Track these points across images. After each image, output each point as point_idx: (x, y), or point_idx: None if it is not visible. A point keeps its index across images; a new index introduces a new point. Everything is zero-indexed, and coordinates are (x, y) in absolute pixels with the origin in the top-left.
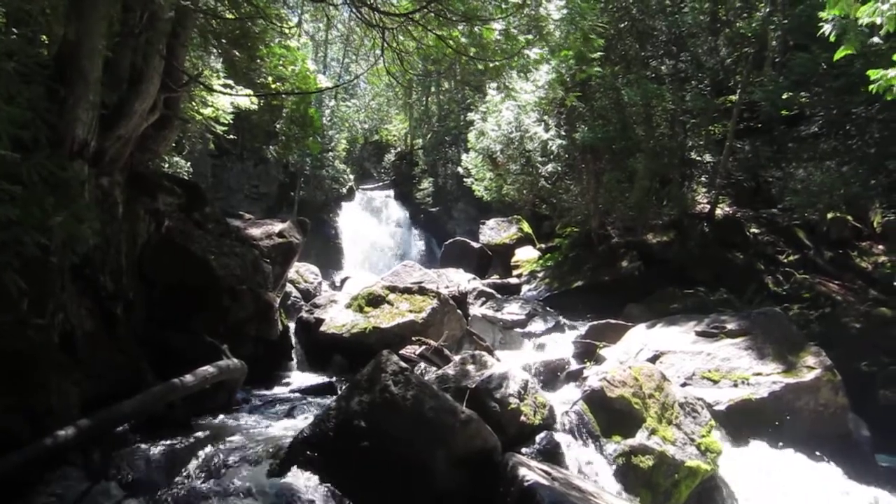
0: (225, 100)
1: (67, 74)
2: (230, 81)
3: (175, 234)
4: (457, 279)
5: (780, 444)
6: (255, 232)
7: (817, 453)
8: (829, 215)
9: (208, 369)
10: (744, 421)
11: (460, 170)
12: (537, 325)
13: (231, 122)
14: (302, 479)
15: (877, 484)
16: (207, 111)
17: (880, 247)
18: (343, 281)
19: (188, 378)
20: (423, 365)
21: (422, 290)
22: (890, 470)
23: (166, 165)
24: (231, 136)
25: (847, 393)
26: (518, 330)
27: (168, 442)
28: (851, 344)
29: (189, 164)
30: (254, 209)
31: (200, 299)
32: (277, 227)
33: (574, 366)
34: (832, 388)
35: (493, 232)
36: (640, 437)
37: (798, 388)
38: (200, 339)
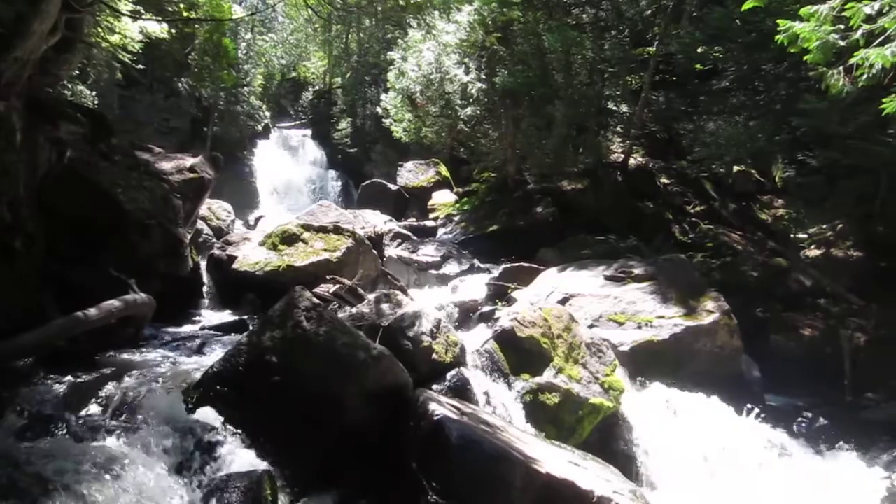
0: (133, 27)
1: None
2: (139, 7)
3: (79, 165)
4: (373, 220)
5: (679, 382)
6: (165, 166)
7: (712, 392)
8: (735, 168)
9: (114, 303)
10: (646, 361)
11: (379, 110)
12: (452, 268)
13: (140, 50)
14: (211, 414)
15: (764, 420)
16: (114, 38)
17: (780, 201)
18: (257, 220)
19: (92, 311)
20: (336, 304)
21: (337, 230)
22: (776, 408)
23: (70, 95)
24: (140, 66)
25: (742, 337)
26: (433, 272)
27: (72, 376)
28: (749, 291)
29: (94, 94)
30: (164, 144)
31: (107, 234)
32: (189, 161)
33: (487, 307)
34: (728, 332)
35: (411, 175)
36: (548, 376)
37: (697, 331)
38: (106, 274)
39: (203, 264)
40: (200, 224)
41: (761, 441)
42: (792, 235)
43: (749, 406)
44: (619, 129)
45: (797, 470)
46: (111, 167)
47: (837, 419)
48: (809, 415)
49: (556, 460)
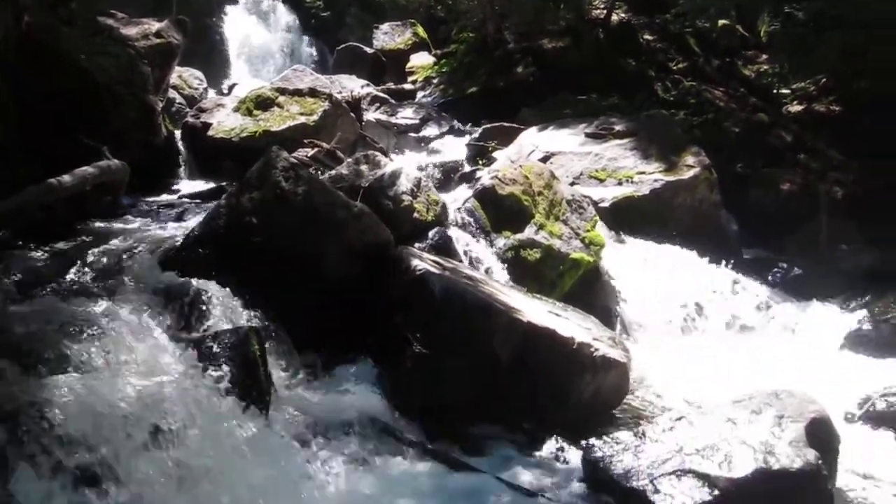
0: None
1: None
2: None
3: (38, 31)
4: (350, 85)
5: (659, 237)
6: (130, 31)
7: (691, 246)
8: (720, 23)
9: (87, 169)
10: (626, 217)
11: None
12: (432, 130)
13: None
14: (194, 276)
15: (740, 271)
16: None
17: (764, 56)
18: (231, 87)
19: (66, 178)
20: (315, 167)
21: (313, 93)
22: (752, 260)
23: None
24: None
25: (722, 192)
26: (412, 134)
27: (52, 244)
28: (730, 148)
29: None
30: (128, 13)
31: (73, 103)
32: (155, 26)
33: (467, 168)
34: (708, 186)
35: (388, 37)
36: (529, 232)
37: (677, 186)
38: (78, 143)
39: (178, 134)
40: (172, 94)
41: (737, 291)
42: (775, 91)
43: (726, 258)
44: None
45: (771, 317)
46: (72, 33)
47: (812, 270)
48: (784, 266)
49: (538, 311)
